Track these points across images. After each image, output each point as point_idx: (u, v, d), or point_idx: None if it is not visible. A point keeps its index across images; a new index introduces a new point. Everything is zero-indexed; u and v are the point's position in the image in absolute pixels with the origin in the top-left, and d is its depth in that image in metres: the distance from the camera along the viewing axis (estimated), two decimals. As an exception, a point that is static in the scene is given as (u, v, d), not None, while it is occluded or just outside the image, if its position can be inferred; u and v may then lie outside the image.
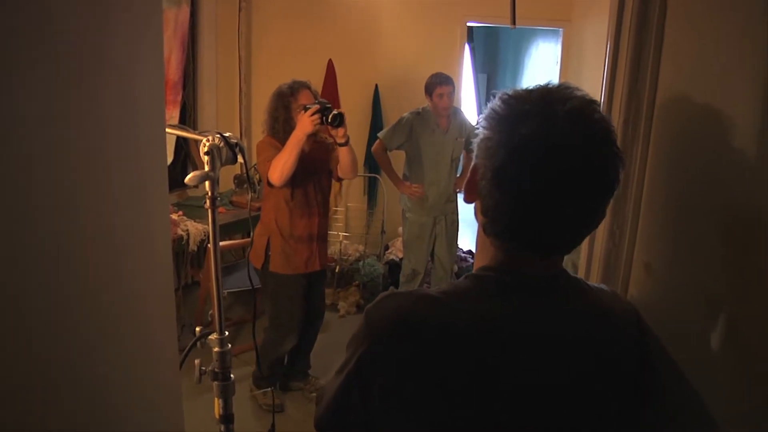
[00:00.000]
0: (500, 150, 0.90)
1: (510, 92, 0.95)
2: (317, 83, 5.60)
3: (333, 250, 5.19)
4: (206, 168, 1.51)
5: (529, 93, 0.92)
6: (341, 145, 3.03)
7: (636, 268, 1.21)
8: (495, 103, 0.95)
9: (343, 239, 5.13)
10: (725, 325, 0.91)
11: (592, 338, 0.98)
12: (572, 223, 0.92)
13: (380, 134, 4.40)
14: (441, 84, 4.13)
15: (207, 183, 1.52)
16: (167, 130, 1.41)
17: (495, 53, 10.86)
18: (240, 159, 1.53)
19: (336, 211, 5.42)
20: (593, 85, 1.20)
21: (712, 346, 0.92)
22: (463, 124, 4.44)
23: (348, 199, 5.70)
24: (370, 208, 5.78)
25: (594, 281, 1.32)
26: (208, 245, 3.44)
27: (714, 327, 0.93)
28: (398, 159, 4.56)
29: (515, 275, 0.97)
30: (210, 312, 4.09)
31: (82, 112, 1.06)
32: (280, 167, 2.91)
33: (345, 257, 5.16)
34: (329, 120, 2.91)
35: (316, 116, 2.88)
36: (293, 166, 2.91)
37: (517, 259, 0.97)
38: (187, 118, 5.14)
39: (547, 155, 0.86)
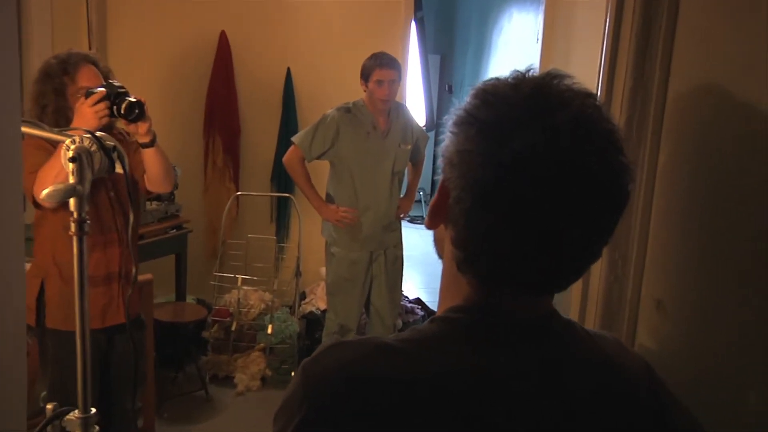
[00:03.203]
0: (486, 167, 0.97)
1: (487, 88, 1.03)
2: (204, 64, 5.62)
3: (228, 300, 5.18)
4: (71, 179, 1.57)
5: (515, 90, 1.01)
6: (145, 146, 3.00)
7: (645, 308, 1.31)
8: (470, 102, 1.03)
9: (242, 284, 5.13)
10: (765, 379, 1.00)
11: (594, 395, 1.08)
12: (576, 253, 1.02)
13: (295, 138, 4.46)
14: (382, 66, 4.24)
15: (72, 200, 1.57)
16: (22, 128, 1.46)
17: (451, 27, 11.14)
18: (119, 168, 1.59)
19: (230, 245, 5.42)
20: (586, 71, 1.28)
21: (748, 406, 1.02)
22: (408, 125, 4.57)
23: (248, 227, 5.72)
24: (280, 240, 5.81)
25: (590, 326, 1.43)
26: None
27: (750, 381, 1.03)
28: (320, 172, 4.65)
29: (495, 317, 1.06)
30: (43, 394, 3.99)
31: None
32: (52, 180, 2.70)
33: (244, 309, 5.16)
34: (122, 111, 2.82)
35: (102, 105, 2.80)
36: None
37: (497, 298, 1.06)
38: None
39: (549, 174, 0.95)
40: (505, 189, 0.96)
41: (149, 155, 3.02)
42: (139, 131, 2.92)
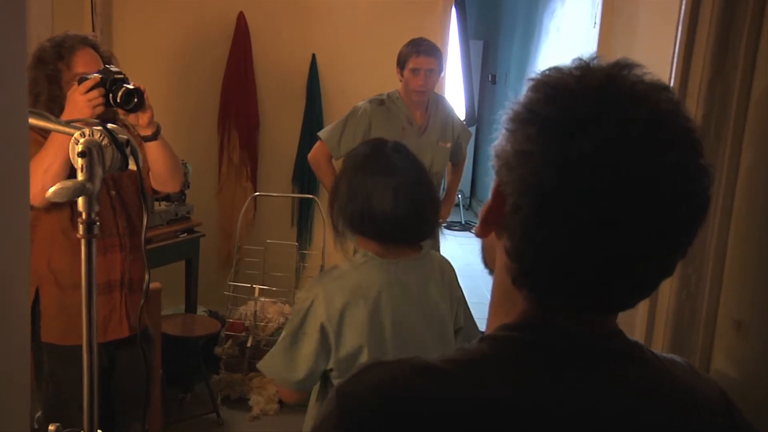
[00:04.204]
0: (548, 171, 0.97)
1: (548, 80, 1.02)
2: (220, 49, 5.65)
3: (243, 312, 5.19)
4: (79, 176, 1.58)
5: (580, 83, 1.01)
6: (147, 139, 3.00)
7: (722, 329, 1.30)
8: (528, 96, 1.03)
9: (260, 295, 5.14)
10: None
11: (662, 424, 1.08)
12: (647, 268, 1.02)
13: (321, 134, 4.49)
14: (419, 53, 4.26)
15: (81, 199, 1.59)
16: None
17: (496, 10, 11.12)
18: (132, 165, 1.60)
19: (246, 251, 5.44)
20: (654, 62, 1.26)
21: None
22: (448, 120, 4.59)
23: (267, 232, 5.74)
24: (302, 247, 5.82)
25: (658, 349, 1.43)
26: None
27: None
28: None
29: (551, 337, 1.07)
30: (38, 415, 4.04)
31: None
32: (41, 177, 2.73)
33: (262, 323, 5.17)
34: (118, 100, 2.80)
35: (96, 93, 2.76)
36: (63, 173, 2.74)
37: (555, 317, 1.06)
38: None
39: (619, 179, 0.95)
40: (570, 195, 0.96)
41: (153, 150, 3.02)
42: (140, 122, 2.91)
